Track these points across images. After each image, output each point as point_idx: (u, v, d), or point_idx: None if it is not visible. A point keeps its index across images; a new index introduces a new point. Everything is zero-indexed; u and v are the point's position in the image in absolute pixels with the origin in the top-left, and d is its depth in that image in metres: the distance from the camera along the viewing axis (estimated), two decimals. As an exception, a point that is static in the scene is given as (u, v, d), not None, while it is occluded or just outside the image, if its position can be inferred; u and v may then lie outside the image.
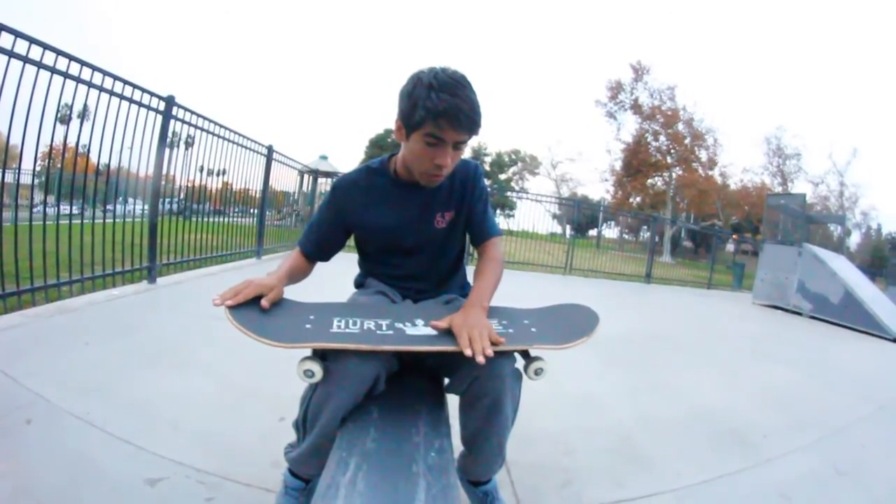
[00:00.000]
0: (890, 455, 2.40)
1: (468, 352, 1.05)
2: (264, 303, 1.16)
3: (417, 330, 1.16)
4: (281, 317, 1.17)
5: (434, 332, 1.14)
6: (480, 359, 1.04)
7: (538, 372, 1.22)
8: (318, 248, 1.50)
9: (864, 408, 3.12)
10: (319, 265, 1.55)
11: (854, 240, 39.50)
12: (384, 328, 1.14)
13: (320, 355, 1.10)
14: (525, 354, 1.26)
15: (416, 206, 1.42)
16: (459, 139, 1.22)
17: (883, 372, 4.70)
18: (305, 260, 1.49)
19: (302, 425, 1.25)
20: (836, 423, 2.77)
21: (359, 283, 1.60)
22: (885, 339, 6.44)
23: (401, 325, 1.17)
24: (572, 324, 1.33)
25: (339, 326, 1.13)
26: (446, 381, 1.33)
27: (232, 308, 1.12)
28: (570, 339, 1.22)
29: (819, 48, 60.06)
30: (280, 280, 1.28)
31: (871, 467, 2.23)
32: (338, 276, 1.95)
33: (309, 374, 1.08)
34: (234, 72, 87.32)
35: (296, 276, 1.43)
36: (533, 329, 1.26)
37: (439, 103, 1.15)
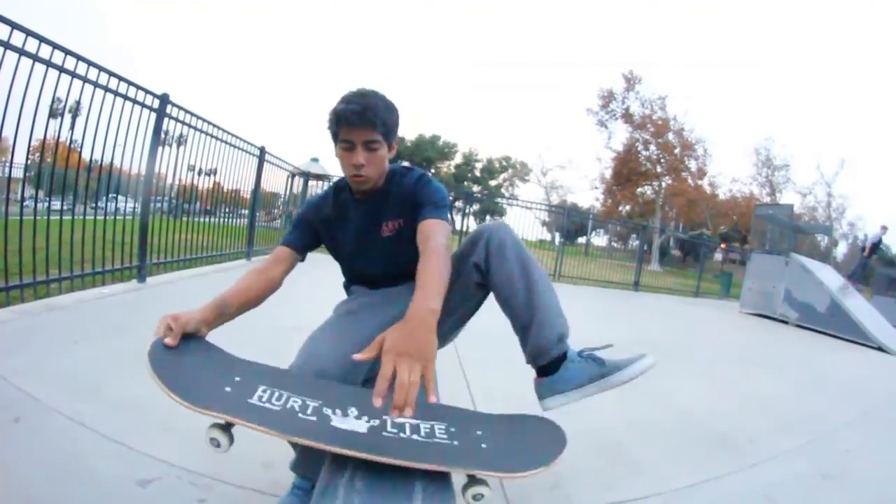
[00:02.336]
0: (873, 460, 2.44)
1: (378, 402, 0.88)
2: (168, 340, 1.13)
3: (344, 422, 1.01)
4: (205, 369, 1.12)
5: (361, 431, 1.00)
6: (397, 410, 0.88)
7: (476, 498, 1.00)
8: (302, 248, 1.56)
9: (848, 414, 3.17)
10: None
11: (841, 250, 39.93)
12: (308, 412, 1.03)
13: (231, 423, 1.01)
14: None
15: (364, 217, 1.51)
16: (364, 138, 1.35)
17: (867, 379, 4.77)
18: (289, 253, 1.53)
19: None
20: (822, 428, 2.80)
21: (346, 287, 1.70)
22: (870, 347, 6.54)
23: (328, 412, 1.03)
24: (533, 442, 1.13)
25: (259, 398, 1.05)
26: None
27: (153, 352, 1.09)
28: (526, 466, 1.02)
29: (808, 60, 60.94)
30: (204, 312, 1.24)
31: (855, 472, 2.27)
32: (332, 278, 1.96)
33: (214, 443, 1.02)
34: (227, 73, 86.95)
35: (246, 291, 1.39)
36: (483, 445, 1.06)
37: (336, 110, 1.35)
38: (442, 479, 0.97)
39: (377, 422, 1.03)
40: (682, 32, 58.54)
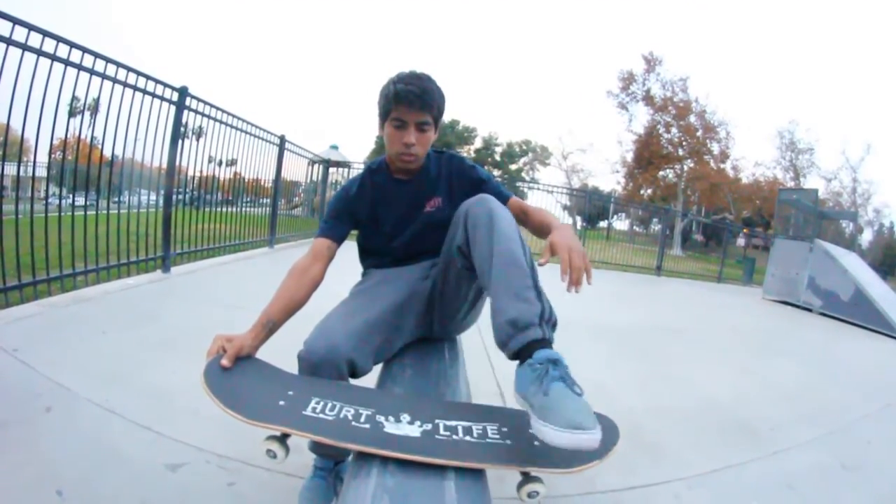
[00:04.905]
0: (895, 452, 2.42)
1: (566, 278, 1.13)
2: (224, 362, 1.16)
3: (398, 428, 1.02)
4: (258, 385, 1.15)
5: (415, 435, 1.01)
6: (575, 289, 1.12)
7: (532, 495, 0.99)
8: (340, 238, 1.56)
9: (871, 405, 3.12)
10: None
11: (866, 237, 38.96)
12: (362, 420, 1.04)
13: (287, 434, 1.05)
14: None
15: (407, 196, 1.57)
16: (418, 119, 1.42)
17: (890, 370, 4.68)
18: (329, 244, 1.51)
19: None
20: (843, 418, 2.78)
21: (364, 273, 1.71)
22: (895, 337, 6.38)
23: (381, 419, 1.05)
24: None
25: (314, 409, 1.07)
26: None
27: (208, 372, 1.12)
28: (580, 461, 1.01)
29: (833, 41, 59.16)
30: (255, 334, 1.28)
31: (876, 463, 2.25)
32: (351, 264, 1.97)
33: (271, 454, 1.06)
34: (245, 62, 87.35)
35: (290, 302, 1.38)
36: (536, 442, 1.03)
37: (395, 90, 1.39)
38: (473, 475, 0.96)
39: (430, 426, 1.04)
40: (703, 12, 57.22)
